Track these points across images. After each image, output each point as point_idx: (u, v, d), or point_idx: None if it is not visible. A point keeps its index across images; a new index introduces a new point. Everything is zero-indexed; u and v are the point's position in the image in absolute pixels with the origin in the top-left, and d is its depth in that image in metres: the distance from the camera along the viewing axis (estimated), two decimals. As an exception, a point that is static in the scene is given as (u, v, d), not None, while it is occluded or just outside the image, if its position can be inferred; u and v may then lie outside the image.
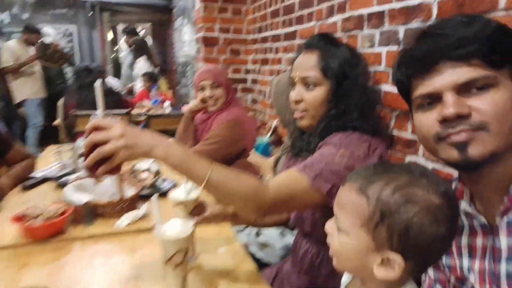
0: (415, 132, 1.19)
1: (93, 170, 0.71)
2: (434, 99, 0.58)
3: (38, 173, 1.57)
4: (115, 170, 0.73)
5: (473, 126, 0.55)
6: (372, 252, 0.54)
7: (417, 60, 0.59)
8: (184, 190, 0.91)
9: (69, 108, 2.96)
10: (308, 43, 0.98)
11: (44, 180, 1.50)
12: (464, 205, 0.64)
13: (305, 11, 1.97)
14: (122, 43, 6.10)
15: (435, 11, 1.12)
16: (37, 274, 0.88)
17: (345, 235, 0.56)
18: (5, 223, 1.05)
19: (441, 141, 0.59)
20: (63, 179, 1.45)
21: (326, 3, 1.75)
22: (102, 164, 0.71)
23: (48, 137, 3.92)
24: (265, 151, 1.74)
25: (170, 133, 2.35)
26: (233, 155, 1.82)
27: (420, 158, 1.20)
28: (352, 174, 0.60)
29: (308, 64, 0.95)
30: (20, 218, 1.02)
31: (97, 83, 1.09)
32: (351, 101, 0.92)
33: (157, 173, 1.61)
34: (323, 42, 0.96)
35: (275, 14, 2.36)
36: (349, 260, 0.57)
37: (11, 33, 5.44)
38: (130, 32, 5.16)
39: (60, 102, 3.30)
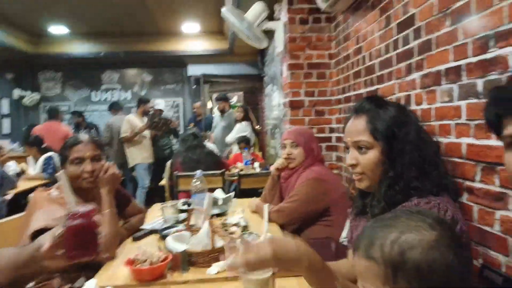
0: (501, 183, 1.13)
1: None
2: None
3: (146, 226, 1.82)
4: None
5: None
6: None
7: (508, 101, 0.60)
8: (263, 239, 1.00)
9: (175, 169, 3.37)
10: (357, 107, 1.05)
11: (151, 232, 1.74)
12: None
13: (385, 71, 2.04)
14: (214, 110, 6.76)
15: (511, 63, 1.11)
16: (142, 310, 1.03)
17: None
18: (119, 266, 1.26)
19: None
20: (166, 231, 1.66)
21: (404, 62, 1.81)
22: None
23: (155, 195, 4.43)
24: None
25: (259, 192, 2.50)
26: (315, 214, 1.87)
27: (511, 212, 1.12)
28: (355, 241, 0.64)
29: (358, 128, 1.01)
30: (131, 262, 1.21)
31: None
32: (405, 159, 0.95)
33: (245, 228, 1.74)
34: (371, 105, 1.02)
35: (357, 75, 2.47)
36: None
37: (132, 107, 6.49)
38: (222, 99, 5.73)
39: (168, 164, 3.76)
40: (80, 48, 6.48)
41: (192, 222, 1.74)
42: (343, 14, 2.69)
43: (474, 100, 1.28)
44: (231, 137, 5.23)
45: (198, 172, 2.01)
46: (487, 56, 1.21)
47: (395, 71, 1.93)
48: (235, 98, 8.32)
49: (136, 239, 1.65)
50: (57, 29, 5.98)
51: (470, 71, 1.30)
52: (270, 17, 3.01)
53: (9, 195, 3.16)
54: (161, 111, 5.41)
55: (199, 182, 1.93)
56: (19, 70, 6.91)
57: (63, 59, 6.61)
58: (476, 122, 1.27)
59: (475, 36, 1.27)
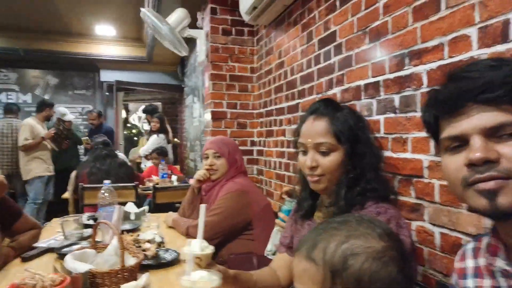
0: (417, 194, 1.19)
1: None
2: (462, 142, 0.56)
3: (40, 244, 1.55)
4: None
5: (502, 173, 0.52)
6: None
7: (443, 102, 0.59)
8: (198, 246, 0.93)
9: (80, 181, 3.02)
10: (313, 110, 1.04)
11: (46, 251, 1.49)
12: (500, 263, 0.58)
13: (306, 86, 2.09)
14: (141, 121, 6.39)
15: (425, 80, 1.18)
16: None
17: None
18: (0, 293, 1.02)
19: (468, 188, 0.55)
20: (65, 249, 1.43)
21: (325, 77, 1.87)
22: None
23: (57, 210, 3.93)
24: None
25: (177, 206, 2.35)
26: (237, 228, 1.79)
27: (426, 223, 1.18)
28: (299, 243, 0.60)
29: (319, 130, 1.00)
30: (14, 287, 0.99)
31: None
32: (366, 162, 0.97)
33: (160, 244, 1.58)
34: (329, 108, 1.02)
35: (279, 89, 2.50)
36: None
37: (32, 112, 5.76)
38: (151, 111, 5.42)
39: (72, 175, 3.37)
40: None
41: (98, 238, 1.54)
42: (266, 28, 2.73)
43: (391, 115, 1.34)
44: (145, 149, 4.94)
45: (106, 183, 1.80)
46: (403, 73, 1.29)
47: (316, 85, 1.98)
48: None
49: (26, 259, 1.39)
50: None
51: (387, 86, 1.37)
52: (192, 25, 2.92)
53: None
54: (69, 123, 4.92)
55: (107, 194, 1.72)
56: None
57: None
58: (393, 135, 1.33)
59: (391, 53, 1.35)
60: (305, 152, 1.03)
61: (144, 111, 5.53)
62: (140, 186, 3.28)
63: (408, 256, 0.57)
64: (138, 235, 1.64)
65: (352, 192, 0.96)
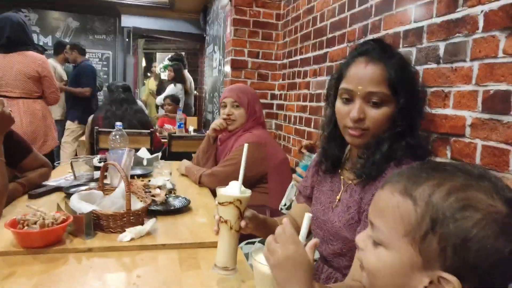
0: (454, 155, 1.06)
1: None
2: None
3: (50, 182, 1.52)
4: None
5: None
6: (418, 271, 0.42)
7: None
8: (238, 188, 0.85)
9: (95, 124, 2.98)
10: (366, 51, 0.88)
11: (55, 189, 1.45)
12: None
13: (337, 33, 1.90)
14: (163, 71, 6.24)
15: (481, 23, 1.01)
16: (23, 285, 0.79)
17: (383, 249, 0.45)
18: (1, 228, 0.98)
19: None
20: (73, 189, 1.38)
21: (359, 24, 1.68)
22: None
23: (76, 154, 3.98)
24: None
25: (192, 156, 2.29)
26: (251, 180, 1.71)
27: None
28: (393, 175, 0.48)
29: (374, 77, 0.84)
30: (15, 224, 0.94)
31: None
32: (413, 117, 0.84)
33: (171, 191, 1.52)
34: (385, 52, 0.87)
35: (305, 37, 2.31)
36: (386, 281, 0.45)
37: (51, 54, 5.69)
38: (176, 59, 5.28)
39: (89, 119, 3.34)
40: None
41: (107, 180, 1.49)
42: (297, -30, 2.49)
43: (433, 65, 1.18)
44: (160, 97, 4.87)
45: (118, 124, 1.72)
46: (454, 16, 1.11)
47: (348, 33, 1.79)
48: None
49: (33, 196, 1.35)
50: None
51: (432, 33, 1.20)
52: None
53: None
54: None
55: (118, 137, 1.65)
56: None
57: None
58: (433, 89, 1.17)
59: (442, -7, 1.16)
60: (348, 100, 0.88)
61: (169, 59, 5.39)
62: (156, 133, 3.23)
63: None
64: (149, 180, 1.59)
65: (394, 148, 0.83)
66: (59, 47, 4.52)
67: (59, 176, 1.66)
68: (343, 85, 0.89)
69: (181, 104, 4.71)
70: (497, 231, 0.39)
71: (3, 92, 2.42)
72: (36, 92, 2.55)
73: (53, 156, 3.04)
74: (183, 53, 6.69)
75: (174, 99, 4.40)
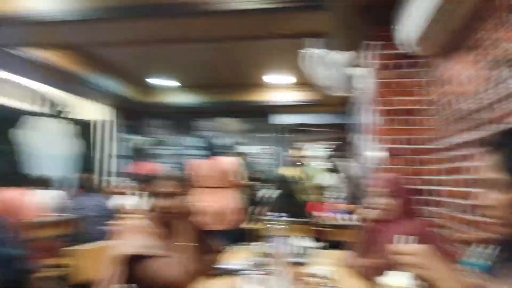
0: None
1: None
2: None
3: (224, 265, 1.79)
4: None
5: None
6: None
7: None
8: (405, 279, 0.91)
9: (267, 213, 3.35)
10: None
11: (229, 271, 1.71)
12: None
13: (496, 114, 1.80)
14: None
15: None
16: None
17: None
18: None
19: None
20: (243, 272, 1.61)
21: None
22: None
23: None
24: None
25: (345, 244, 2.31)
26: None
27: None
28: None
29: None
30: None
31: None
32: None
33: (330, 280, 1.59)
34: None
35: (460, 120, 2.23)
36: None
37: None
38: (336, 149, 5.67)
39: (260, 209, 3.80)
40: (184, 98, 7.24)
41: (270, 267, 1.67)
42: (437, 56, 2.52)
43: None
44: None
45: (281, 215, 1.95)
46: None
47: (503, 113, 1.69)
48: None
49: (212, 276, 1.63)
50: (167, 82, 6.81)
51: None
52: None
53: (113, 226, 3.44)
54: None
55: (279, 226, 1.87)
56: (134, 118, 7.86)
57: (168, 107, 7.45)
58: None
59: None
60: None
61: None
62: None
63: None
64: (308, 269, 1.70)
65: None
66: (229, 148, 5.48)
67: (232, 261, 1.93)
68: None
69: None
70: None
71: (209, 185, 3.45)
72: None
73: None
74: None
75: (330, 188, 4.58)
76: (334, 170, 5.34)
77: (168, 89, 7.11)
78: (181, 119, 7.95)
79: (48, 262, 2.99)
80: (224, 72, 6.02)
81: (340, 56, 2.87)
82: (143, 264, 1.40)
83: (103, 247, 1.90)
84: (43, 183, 4.51)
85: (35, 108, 5.94)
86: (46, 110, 6.11)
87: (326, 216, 4.01)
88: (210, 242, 1.84)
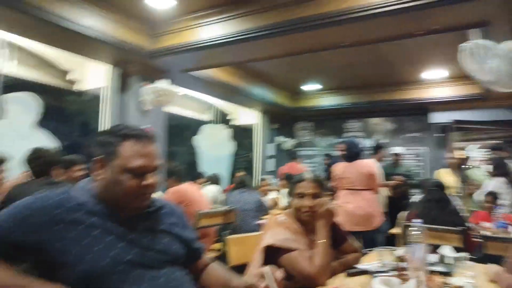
0: None
1: None
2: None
3: (361, 266, 1.87)
4: None
5: None
6: None
7: None
8: None
9: (408, 219, 3.20)
10: None
11: (364, 272, 1.77)
12: None
13: None
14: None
15: None
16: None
17: None
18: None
19: None
20: (378, 274, 1.66)
21: None
22: None
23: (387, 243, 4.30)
24: None
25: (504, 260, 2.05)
26: None
27: None
28: None
29: None
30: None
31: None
32: None
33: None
34: None
35: None
36: None
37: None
38: (496, 148, 5.01)
39: (403, 214, 3.65)
40: (328, 101, 7.37)
41: (407, 271, 1.66)
42: None
43: None
44: (479, 194, 4.51)
45: (418, 221, 1.90)
46: None
47: None
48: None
49: (349, 275, 1.72)
50: (311, 87, 7.08)
51: None
52: None
53: (263, 220, 3.87)
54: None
55: (417, 232, 1.82)
56: (282, 121, 8.47)
57: (314, 111, 7.68)
58: None
59: None
60: None
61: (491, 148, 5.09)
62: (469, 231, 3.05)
63: None
64: (449, 279, 1.62)
65: None
66: (376, 148, 5.33)
67: (369, 262, 1.99)
68: None
69: (507, 200, 4.20)
70: None
71: (351, 187, 3.63)
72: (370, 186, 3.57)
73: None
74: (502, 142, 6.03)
75: (495, 195, 4.03)
76: (502, 174, 4.61)
77: (315, 92, 7.38)
78: (329, 121, 8.11)
79: (209, 246, 3.58)
80: (374, 72, 5.90)
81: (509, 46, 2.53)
82: (281, 255, 1.60)
83: (254, 236, 2.22)
84: (210, 179, 5.36)
85: (206, 117, 7.17)
86: (213, 118, 7.27)
87: (490, 227, 3.55)
88: (350, 242, 1.95)
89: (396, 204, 4.93)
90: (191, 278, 1.23)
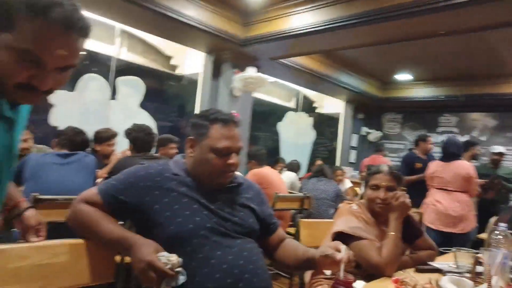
0: None
1: None
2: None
3: (434, 263, 1.83)
4: None
5: None
6: None
7: None
8: None
9: (498, 223, 2.97)
10: None
11: (436, 270, 1.75)
12: None
13: None
14: None
15: None
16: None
17: None
18: (387, 281, 1.41)
19: None
20: (450, 274, 1.62)
21: None
22: None
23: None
24: None
25: None
26: None
27: None
28: None
29: None
30: (397, 281, 1.34)
31: None
32: None
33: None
34: None
35: None
36: None
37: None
38: None
39: (493, 218, 3.40)
40: (421, 92, 6.90)
41: (482, 275, 1.60)
42: None
43: None
44: None
45: (503, 225, 1.79)
46: None
47: None
48: None
49: (420, 270, 1.72)
50: (402, 77, 6.70)
51: None
52: None
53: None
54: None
55: (499, 236, 1.73)
56: (368, 112, 8.19)
57: (404, 102, 7.27)
58: None
59: None
60: None
61: None
62: None
63: None
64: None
65: None
66: (467, 145, 4.88)
67: (444, 261, 1.93)
68: None
69: None
70: None
71: (443, 186, 3.52)
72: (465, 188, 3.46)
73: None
74: None
75: None
76: None
77: (406, 82, 6.99)
78: (420, 114, 7.62)
79: (284, 229, 3.72)
80: (475, 62, 5.37)
81: None
82: (350, 243, 1.65)
83: (326, 222, 2.30)
84: (289, 166, 5.50)
85: (291, 104, 7.30)
86: (298, 105, 7.35)
87: None
88: (425, 238, 1.91)
89: (488, 207, 4.53)
90: (262, 251, 1.35)
